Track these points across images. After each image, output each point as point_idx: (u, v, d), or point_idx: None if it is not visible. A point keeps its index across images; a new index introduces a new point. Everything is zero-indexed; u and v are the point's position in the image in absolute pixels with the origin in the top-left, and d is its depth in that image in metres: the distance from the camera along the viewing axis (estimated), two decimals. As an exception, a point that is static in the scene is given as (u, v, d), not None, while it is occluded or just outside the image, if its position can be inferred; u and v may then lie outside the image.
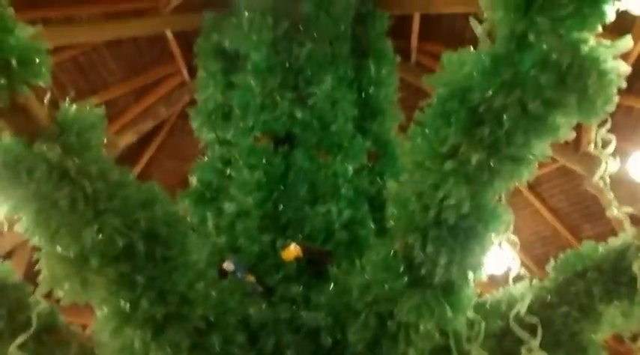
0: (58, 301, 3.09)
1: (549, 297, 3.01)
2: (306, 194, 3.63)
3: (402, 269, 2.59)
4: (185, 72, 5.88)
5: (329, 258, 3.23)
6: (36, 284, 3.00)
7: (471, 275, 2.58)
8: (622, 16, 2.42)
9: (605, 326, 3.02)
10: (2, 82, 2.21)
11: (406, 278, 2.57)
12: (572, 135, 2.58)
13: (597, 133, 4.06)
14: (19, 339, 2.73)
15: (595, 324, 2.94)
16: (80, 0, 5.08)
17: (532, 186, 6.54)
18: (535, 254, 7.02)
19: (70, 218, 2.40)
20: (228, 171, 3.92)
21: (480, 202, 2.48)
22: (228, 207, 3.64)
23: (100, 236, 2.42)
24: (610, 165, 3.66)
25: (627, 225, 3.10)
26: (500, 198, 2.61)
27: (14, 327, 2.90)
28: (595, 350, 2.92)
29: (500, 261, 4.54)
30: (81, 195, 2.39)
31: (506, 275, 4.14)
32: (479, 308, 2.83)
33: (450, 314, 2.54)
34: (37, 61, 2.30)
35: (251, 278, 3.19)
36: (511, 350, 2.82)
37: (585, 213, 6.68)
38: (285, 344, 2.89)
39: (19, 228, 2.54)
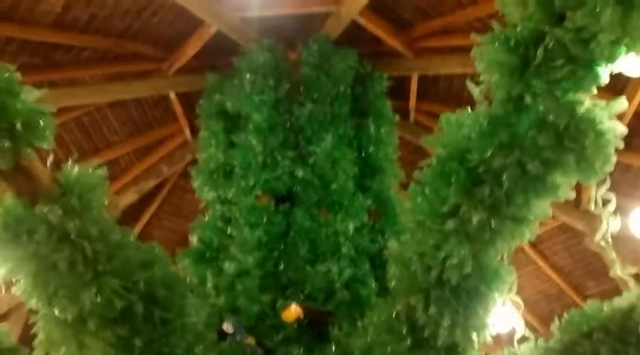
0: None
1: (555, 359, 2.95)
2: (306, 253, 3.62)
3: (404, 330, 2.55)
4: (187, 132, 5.94)
5: (330, 319, 3.19)
6: (32, 348, 2.94)
7: (475, 336, 2.54)
8: (616, 75, 2.49)
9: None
10: (7, 145, 2.23)
11: (409, 340, 2.52)
12: (572, 194, 2.60)
13: (597, 192, 4.08)
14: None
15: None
16: (84, 62, 5.20)
17: (534, 244, 6.51)
18: (539, 312, 6.92)
19: (69, 280, 2.37)
20: (228, 230, 3.91)
21: (482, 262, 2.47)
22: (229, 266, 3.62)
23: (99, 298, 2.38)
24: (611, 225, 3.68)
25: (632, 284, 3.07)
26: (502, 257, 2.60)
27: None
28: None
29: (504, 319, 4.50)
30: (80, 257, 2.37)
31: (510, 334, 4.08)
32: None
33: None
34: (42, 123, 2.33)
35: (250, 340, 3.14)
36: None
37: (588, 270, 6.61)
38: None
39: (15, 289, 2.52)
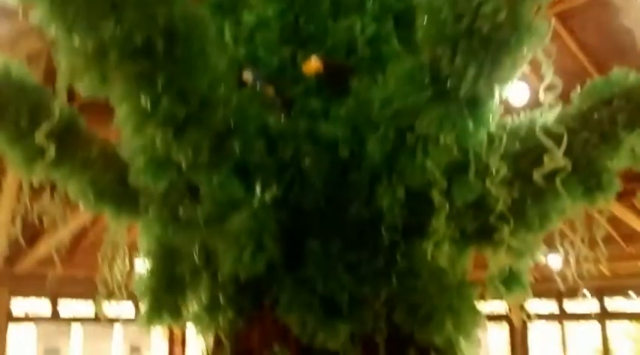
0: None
1: (571, 123, 2.97)
2: (329, 7, 3.45)
3: (427, 81, 2.53)
4: None
5: (351, 73, 3.15)
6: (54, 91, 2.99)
7: (497, 90, 2.53)
8: None
9: (623, 155, 3.00)
10: None
11: (430, 92, 2.52)
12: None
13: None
14: (43, 128, 2.77)
15: (613, 151, 2.92)
16: None
17: (563, 18, 6.24)
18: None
19: (87, 10, 2.31)
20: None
21: (516, 13, 2.34)
22: (247, 17, 3.49)
23: (118, 29, 2.33)
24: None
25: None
26: (537, 11, 2.47)
27: (36, 126, 2.92)
28: (609, 176, 2.93)
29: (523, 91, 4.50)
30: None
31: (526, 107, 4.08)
32: (499, 128, 2.81)
33: (471, 127, 2.52)
34: None
35: (270, 90, 3.15)
36: (526, 171, 2.84)
37: (616, 49, 6.40)
38: (303, 155, 2.92)
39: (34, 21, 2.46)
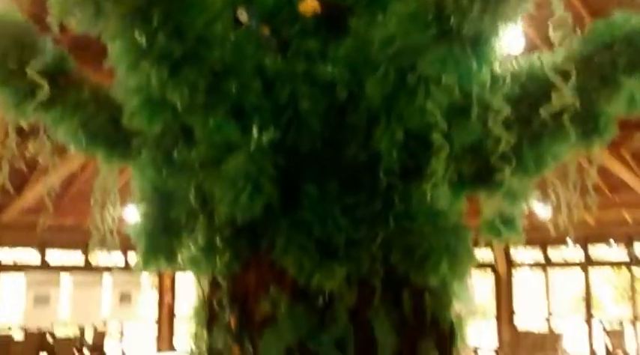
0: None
1: (571, 66, 2.93)
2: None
3: (430, 19, 2.47)
4: None
5: (349, 13, 3.07)
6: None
7: (501, 28, 2.48)
8: None
9: (622, 101, 2.98)
10: None
11: (434, 30, 2.46)
12: None
13: None
14: (34, 64, 2.69)
15: (612, 95, 2.90)
16: None
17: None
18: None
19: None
20: None
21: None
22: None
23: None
24: None
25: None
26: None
27: (25, 66, 2.84)
28: (606, 119, 2.93)
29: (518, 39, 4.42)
30: None
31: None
32: (502, 69, 2.77)
33: (475, 66, 2.48)
34: None
35: (265, 30, 3.07)
36: (524, 115, 2.83)
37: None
38: (300, 96, 2.87)
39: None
